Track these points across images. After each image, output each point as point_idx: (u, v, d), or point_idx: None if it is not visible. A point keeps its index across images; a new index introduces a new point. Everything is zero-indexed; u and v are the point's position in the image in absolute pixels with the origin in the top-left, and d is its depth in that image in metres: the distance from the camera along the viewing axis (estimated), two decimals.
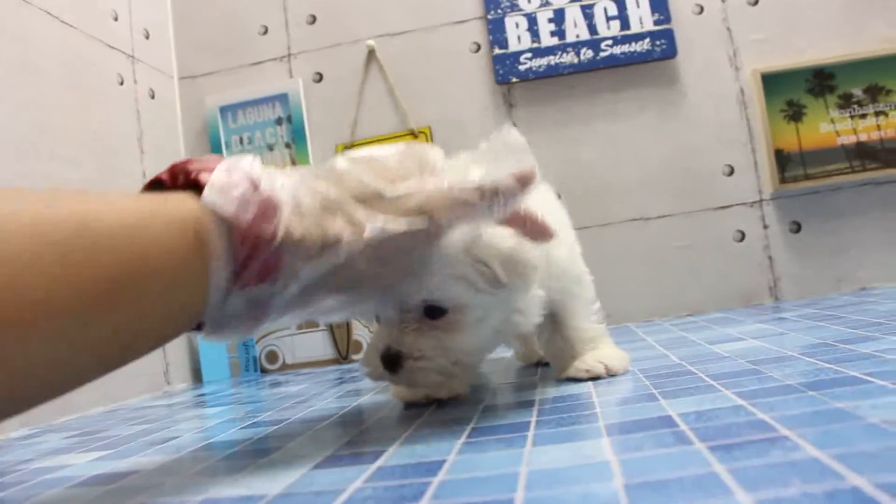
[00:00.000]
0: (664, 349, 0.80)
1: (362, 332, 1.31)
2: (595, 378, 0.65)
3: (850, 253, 1.26)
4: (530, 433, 0.46)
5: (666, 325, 1.13)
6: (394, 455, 0.46)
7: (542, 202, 0.55)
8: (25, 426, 0.93)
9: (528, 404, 0.57)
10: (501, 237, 0.51)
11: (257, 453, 0.53)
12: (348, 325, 1.31)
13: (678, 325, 1.09)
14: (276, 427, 0.65)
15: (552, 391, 0.62)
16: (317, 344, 1.32)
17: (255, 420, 0.73)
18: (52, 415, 0.98)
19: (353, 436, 0.55)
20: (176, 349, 1.31)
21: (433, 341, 0.52)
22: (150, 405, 1.05)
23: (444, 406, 0.63)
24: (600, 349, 0.67)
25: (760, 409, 0.42)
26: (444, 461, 0.41)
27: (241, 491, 0.42)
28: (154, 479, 0.50)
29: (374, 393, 0.81)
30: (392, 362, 0.53)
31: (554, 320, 0.67)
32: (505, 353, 1.00)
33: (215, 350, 1.31)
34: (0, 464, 0.66)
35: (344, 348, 1.30)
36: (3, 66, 0.99)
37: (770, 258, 1.27)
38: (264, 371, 1.35)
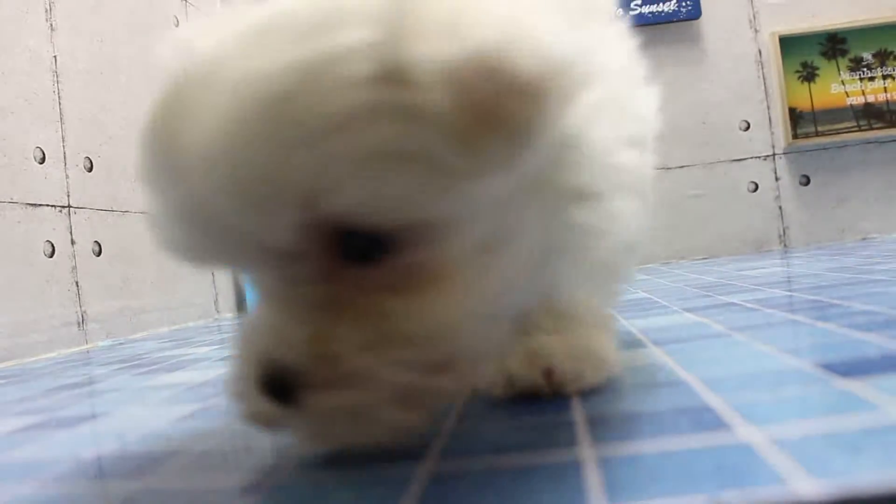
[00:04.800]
0: (698, 274, 0.90)
1: None
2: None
3: (854, 205, 1.36)
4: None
5: (686, 264, 1.24)
6: None
7: None
8: (110, 337, 1.03)
9: None
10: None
11: None
12: None
13: (699, 263, 1.19)
14: None
15: None
16: None
17: None
18: (126, 331, 1.07)
19: None
20: (223, 280, 1.40)
21: (372, 328, 0.23)
22: (213, 325, 1.14)
23: None
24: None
25: (809, 294, 0.53)
26: None
27: None
28: None
29: None
30: (282, 391, 0.23)
31: None
32: None
33: None
34: (130, 356, 0.76)
35: None
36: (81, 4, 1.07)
37: (780, 208, 1.38)
38: None
